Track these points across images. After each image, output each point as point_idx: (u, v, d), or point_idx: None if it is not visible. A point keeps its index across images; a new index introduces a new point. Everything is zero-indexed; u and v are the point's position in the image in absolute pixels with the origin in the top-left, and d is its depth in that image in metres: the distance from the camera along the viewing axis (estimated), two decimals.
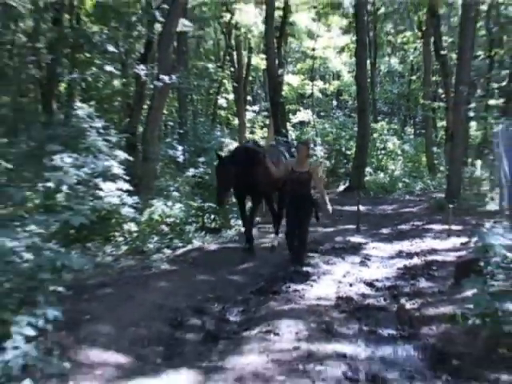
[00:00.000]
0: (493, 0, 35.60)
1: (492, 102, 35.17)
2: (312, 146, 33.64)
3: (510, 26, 35.66)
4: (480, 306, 8.97)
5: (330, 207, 14.32)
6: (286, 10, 35.16)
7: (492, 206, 20.94)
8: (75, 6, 23.72)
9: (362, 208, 19.77)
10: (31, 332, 7.59)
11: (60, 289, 8.60)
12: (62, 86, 24.53)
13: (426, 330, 10.22)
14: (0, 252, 7.91)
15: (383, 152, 35.47)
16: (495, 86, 36.14)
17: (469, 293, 10.17)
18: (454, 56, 29.14)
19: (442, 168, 32.79)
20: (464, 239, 16.04)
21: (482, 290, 9.20)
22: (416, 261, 14.94)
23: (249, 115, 39.23)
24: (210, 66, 38.03)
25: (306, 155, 13.91)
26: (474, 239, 11.72)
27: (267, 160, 14.48)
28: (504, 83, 34.72)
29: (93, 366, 8.66)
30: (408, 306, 11.56)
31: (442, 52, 33.56)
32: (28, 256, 8.03)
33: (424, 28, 39.23)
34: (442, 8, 36.98)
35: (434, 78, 38.41)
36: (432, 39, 35.47)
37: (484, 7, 35.16)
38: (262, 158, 14.60)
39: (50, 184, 12.59)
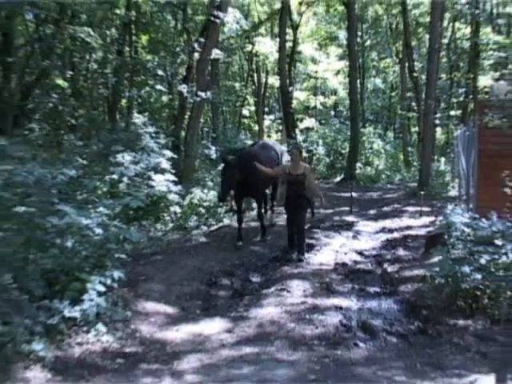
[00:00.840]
0: (452, 35, 35.74)
1: (452, 112, 35.18)
2: (315, 146, 33.63)
3: (465, 56, 35.63)
4: (444, 270, 9.02)
5: (323, 199, 13.77)
6: (295, 41, 35.15)
7: (453, 193, 20.86)
8: (134, 40, 23.72)
9: (353, 194, 19.72)
10: (102, 288, 7.70)
11: (123, 256, 8.67)
12: (124, 102, 24.55)
13: (403, 287, 10.26)
14: (78, 227, 7.98)
15: (370, 151, 35.29)
16: (454, 100, 36.11)
17: (436, 259, 10.16)
18: (424, 77, 28.99)
19: (415, 163, 32.62)
20: (432, 218, 15.99)
21: (445, 257, 9.23)
22: (395, 235, 14.91)
23: (266, 123, 39.15)
24: (236, 84, 38.08)
25: (299, 159, 12.89)
26: (440, 218, 11.74)
27: (260, 166, 13.16)
28: (461, 99, 34.72)
29: (148, 314, 8.77)
30: (389, 269, 11.60)
31: (415, 74, 33.49)
32: (99, 231, 8.09)
33: (400, 56, 39.12)
34: (414, 41, 36.83)
35: (408, 94, 38.23)
36: (407, 64, 35.41)
37: (446, 40, 35.17)
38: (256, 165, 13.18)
39: (115, 176, 12.69)
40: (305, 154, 15.52)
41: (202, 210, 15.88)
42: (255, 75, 38.94)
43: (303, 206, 12.79)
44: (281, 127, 38.39)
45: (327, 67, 38.23)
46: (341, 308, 9.18)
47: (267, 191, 15.55)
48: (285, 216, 13.45)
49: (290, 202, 12.69)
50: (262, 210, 14.80)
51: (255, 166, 13.14)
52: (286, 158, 15.33)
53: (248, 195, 14.62)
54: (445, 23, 33.60)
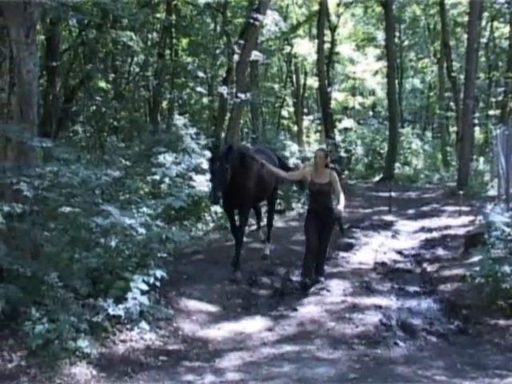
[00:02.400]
0: (490, 35, 35.33)
1: (491, 112, 34.79)
2: (353, 147, 33.44)
3: (504, 55, 35.22)
4: (484, 269, 8.95)
5: (341, 209, 10.30)
6: (333, 42, 35.02)
7: (492, 192, 20.63)
8: (174, 43, 23.88)
9: (392, 194, 19.60)
10: (145, 287, 7.75)
11: (165, 255, 8.72)
12: (165, 103, 24.71)
13: (443, 287, 10.18)
14: (121, 227, 8.05)
15: (408, 151, 35.08)
16: (493, 99, 35.72)
17: (475, 259, 10.09)
18: (462, 77, 28.73)
19: (453, 163, 32.33)
20: (471, 218, 15.82)
21: (485, 257, 9.15)
22: (434, 234, 14.81)
23: (305, 123, 39.05)
24: (276, 86, 38.03)
25: (324, 163, 10.37)
26: (479, 217, 11.62)
27: (269, 165, 10.99)
28: (500, 98, 34.32)
29: (190, 313, 8.82)
30: (429, 268, 11.53)
31: (453, 74, 33.15)
32: (141, 230, 8.15)
33: (438, 56, 38.81)
34: (452, 40, 36.48)
35: (446, 94, 37.88)
36: (445, 64, 35.08)
37: (484, 40, 34.78)
38: (254, 163, 11.03)
39: (157, 176, 12.75)
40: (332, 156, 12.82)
41: None
42: (294, 76, 38.91)
43: (329, 223, 10.38)
44: (320, 128, 38.29)
45: (365, 68, 38.02)
46: (380, 307, 9.15)
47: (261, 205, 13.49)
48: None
49: (311, 217, 10.39)
50: (245, 229, 11.91)
51: (250, 166, 10.98)
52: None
53: (233, 205, 11.38)
54: (483, 22, 33.25)
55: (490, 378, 6.64)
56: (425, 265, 11.87)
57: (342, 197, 10.40)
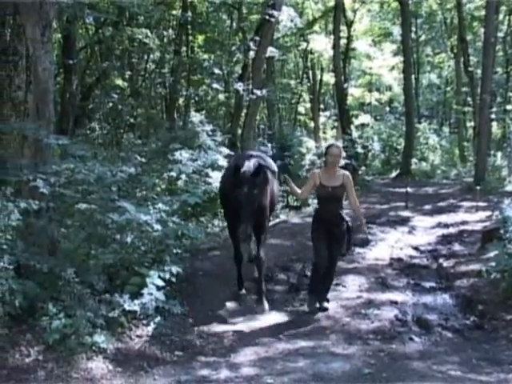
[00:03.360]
0: (508, 29, 35.12)
1: (509, 107, 34.56)
2: (370, 142, 33.35)
3: None
4: (500, 264, 8.94)
5: (365, 228, 9.56)
6: (349, 38, 34.95)
7: (509, 188, 20.54)
8: (190, 40, 23.91)
9: (409, 189, 19.56)
10: (161, 283, 7.81)
11: (181, 251, 8.79)
12: (181, 100, 24.75)
13: (459, 282, 10.16)
14: (137, 224, 8.11)
15: (425, 146, 34.93)
16: (511, 94, 35.46)
17: (492, 254, 10.06)
18: (479, 72, 28.58)
19: (470, 158, 32.15)
20: (488, 213, 15.75)
21: (501, 252, 9.14)
22: (451, 230, 14.76)
23: (322, 119, 39.05)
24: (292, 82, 38.02)
25: (338, 162, 8.99)
26: (496, 213, 11.58)
27: (290, 181, 9.29)
28: None
29: (206, 308, 8.84)
30: (445, 264, 11.50)
31: (470, 69, 32.98)
32: (157, 227, 8.20)
33: (455, 50, 38.61)
34: (469, 35, 36.26)
35: (463, 89, 37.68)
36: (462, 59, 34.90)
37: (501, 34, 34.53)
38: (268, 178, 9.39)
39: (173, 173, 12.80)
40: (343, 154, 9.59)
41: None
42: (310, 72, 38.88)
43: (339, 237, 8.95)
44: (336, 124, 38.25)
45: (382, 63, 37.91)
46: (396, 303, 9.16)
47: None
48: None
49: (319, 228, 8.92)
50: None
51: (266, 181, 9.27)
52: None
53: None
54: (500, 16, 33.01)
55: (506, 374, 6.65)
56: (441, 260, 11.84)
57: (358, 207, 9.23)
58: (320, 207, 9.14)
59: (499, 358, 7.12)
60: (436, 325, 8.23)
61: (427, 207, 19.05)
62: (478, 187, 18.73)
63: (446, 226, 15.37)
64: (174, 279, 8.22)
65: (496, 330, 8.03)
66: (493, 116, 29.87)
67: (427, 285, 10.18)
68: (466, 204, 19.01)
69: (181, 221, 9.37)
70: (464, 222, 15.54)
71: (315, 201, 16.86)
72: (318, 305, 8.87)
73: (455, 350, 7.44)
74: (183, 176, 13.02)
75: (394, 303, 9.13)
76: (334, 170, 8.92)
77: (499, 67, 35.80)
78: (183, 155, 13.10)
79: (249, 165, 8.74)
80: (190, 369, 6.74)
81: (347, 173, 9.14)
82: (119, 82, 22.20)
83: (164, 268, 8.06)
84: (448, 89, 46.78)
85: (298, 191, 9.25)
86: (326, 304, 8.93)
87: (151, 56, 24.03)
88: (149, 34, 18.99)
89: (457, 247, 12.88)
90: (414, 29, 40.83)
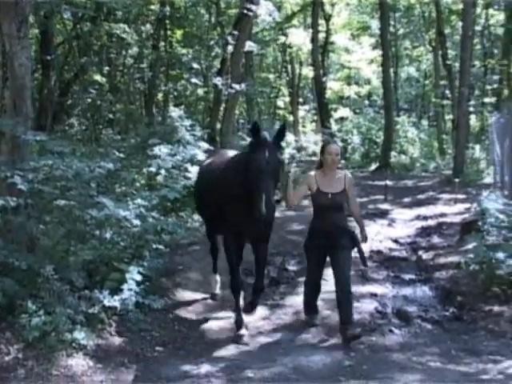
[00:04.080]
0: (485, 22, 35.34)
1: (487, 99, 34.81)
2: (349, 136, 33.40)
3: (498, 42, 35.22)
4: (479, 256, 9.02)
5: (365, 231, 8.15)
6: (328, 32, 35.10)
7: (488, 180, 20.67)
8: (168, 35, 23.86)
9: (388, 182, 19.63)
10: (140, 278, 7.76)
11: (160, 246, 8.77)
12: (160, 95, 24.70)
13: (438, 274, 10.24)
14: (116, 219, 8.09)
15: (404, 139, 35.03)
16: (489, 87, 35.70)
17: (470, 246, 10.13)
18: (457, 65, 28.75)
19: (449, 151, 32.33)
20: (467, 205, 15.85)
21: (480, 244, 9.22)
22: (430, 222, 14.85)
23: (301, 113, 39.10)
24: (271, 76, 38.08)
25: (338, 162, 7.75)
26: (475, 205, 11.67)
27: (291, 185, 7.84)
28: (495, 85, 34.34)
29: (186, 303, 8.89)
30: (424, 256, 11.58)
31: (448, 62, 33.12)
32: (136, 222, 8.19)
33: (433, 44, 38.77)
34: (447, 28, 36.42)
35: (442, 82, 37.85)
36: (440, 52, 35.07)
37: (479, 27, 34.74)
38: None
39: (152, 168, 12.75)
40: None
41: None
42: (289, 66, 38.92)
43: (345, 251, 7.72)
44: (315, 117, 38.32)
45: (360, 57, 38.00)
46: (376, 295, 9.22)
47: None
48: None
49: (316, 243, 7.71)
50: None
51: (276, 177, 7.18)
52: None
53: (248, 237, 7.88)
54: (478, 10, 33.16)
55: (484, 364, 6.72)
56: (420, 252, 11.91)
57: (360, 216, 8.29)
58: (317, 219, 7.72)
59: (478, 349, 7.19)
60: (415, 316, 8.28)
61: (406, 200, 19.14)
62: (457, 180, 18.83)
63: (425, 218, 15.46)
64: (153, 274, 8.22)
65: (475, 321, 8.10)
66: (471, 109, 30.04)
67: (407, 277, 10.24)
68: (444, 196, 19.12)
69: (160, 216, 9.34)
70: (443, 215, 15.63)
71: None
72: (316, 320, 8.00)
73: (435, 341, 7.49)
74: (162, 171, 12.97)
75: (373, 296, 9.19)
76: (333, 172, 7.68)
77: (477, 60, 36.01)
78: (162, 150, 13.04)
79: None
80: (170, 364, 6.73)
81: (349, 174, 7.95)
82: (98, 77, 22.09)
83: (144, 263, 8.04)
84: (426, 82, 46.96)
85: (292, 193, 7.77)
86: (354, 332, 7.34)
87: (129, 51, 23.94)
88: (127, 29, 18.93)
89: (436, 239, 12.97)
90: (392, 22, 40.91)
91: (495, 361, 6.83)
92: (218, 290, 9.19)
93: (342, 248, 7.68)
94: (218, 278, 9.28)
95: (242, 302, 7.85)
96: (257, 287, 7.89)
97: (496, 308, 8.34)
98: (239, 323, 7.64)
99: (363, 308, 8.64)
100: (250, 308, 7.87)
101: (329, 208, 7.58)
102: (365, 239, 8.18)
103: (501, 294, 8.61)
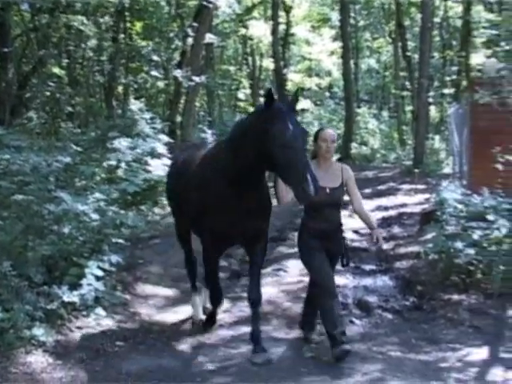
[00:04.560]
0: (444, 14, 35.67)
1: (446, 90, 35.13)
2: (310, 127, 33.48)
3: (457, 34, 35.55)
4: (437, 246, 9.10)
5: (381, 238, 7.06)
6: (288, 24, 35.07)
7: (447, 170, 20.89)
8: (128, 27, 23.67)
9: None
10: (100, 273, 7.72)
11: (120, 240, 8.70)
12: (120, 88, 24.51)
13: (398, 264, 10.33)
14: (74, 214, 8.00)
15: (365, 130, 35.31)
16: (448, 78, 36.04)
17: (430, 236, 10.21)
18: (417, 56, 28.98)
19: (409, 142, 32.57)
20: (427, 195, 16.00)
21: (439, 234, 9.30)
22: (391, 213, 14.97)
23: None
24: (231, 68, 37.95)
25: (333, 150, 6.76)
26: (434, 195, 11.77)
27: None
28: (454, 77, 34.68)
29: (147, 297, 8.82)
30: (385, 246, 11.61)
31: (408, 53, 33.44)
32: (95, 216, 8.12)
33: (393, 36, 39.03)
34: (407, 20, 36.67)
35: (402, 74, 38.10)
36: (400, 44, 35.35)
37: (438, 19, 35.05)
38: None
39: (112, 162, 12.66)
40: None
41: None
42: (250, 58, 38.82)
43: (337, 252, 6.94)
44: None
45: (321, 49, 38.05)
46: (337, 286, 9.22)
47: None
48: None
49: (314, 245, 6.67)
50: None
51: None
52: None
53: (240, 235, 6.76)
54: (437, 2, 33.41)
55: (444, 352, 6.80)
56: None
57: (366, 210, 7.22)
58: (311, 218, 6.70)
59: (437, 337, 7.26)
60: (376, 307, 8.33)
61: (367, 191, 19.21)
62: (417, 170, 19.01)
63: (386, 208, 15.59)
64: (113, 269, 8.15)
65: (434, 310, 8.18)
66: (430, 100, 30.33)
67: (367, 267, 10.33)
68: (405, 187, 19.30)
69: (120, 210, 9.27)
70: (403, 205, 15.77)
71: None
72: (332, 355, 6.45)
73: (395, 330, 7.55)
74: (123, 164, 12.88)
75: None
76: (329, 164, 6.73)
77: (436, 52, 36.32)
78: (122, 143, 12.97)
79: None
80: (131, 359, 6.67)
81: (346, 166, 7.02)
82: (56, 70, 21.83)
83: (103, 258, 7.98)
84: (387, 73, 47.22)
85: (285, 189, 6.22)
86: (346, 347, 6.46)
87: (88, 43, 23.70)
88: (85, 21, 18.72)
89: (396, 229, 13.08)
90: (352, 14, 41.06)
91: (454, 349, 6.91)
92: (201, 315, 7.83)
93: (335, 254, 6.88)
94: (199, 298, 7.99)
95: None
96: (253, 299, 6.80)
97: (455, 297, 8.44)
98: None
99: None
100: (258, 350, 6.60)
101: (326, 205, 6.47)
102: (377, 241, 7.03)
103: (459, 283, 8.71)
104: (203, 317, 7.76)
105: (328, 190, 6.51)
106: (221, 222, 6.48)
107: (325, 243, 6.67)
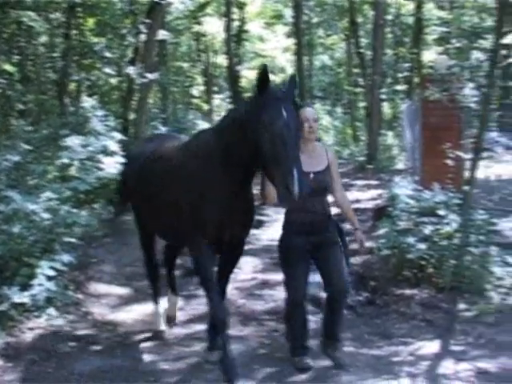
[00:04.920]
0: (396, 11, 36.07)
1: (398, 87, 35.53)
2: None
3: (409, 31, 35.95)
4: (390, 241, 9.16)
5: (362, 237, 6.64)
6: (242, 20, 35.09)
7: (400, 166, 21.11)
8: (80, 23, 23.40)
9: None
10: (52, 273, 7.63)
11: (73, 240, 8.59)
12: (72, 85, 24.23)
13: (352, 260, 10.33)
14: (24, 213, 7.89)
15: (319, 127, 35.49)
16: (400, 75, 36.44)
17: (382, 231, 10.27)
18: (370, 53, 29.25)
19: (363, 138, 32.80)
20: (380, 191, 16.13)
21: (390, 229, 9.35)
22: None
23: (216, 102, 39.00)
24: (185, 65, 37.78)
25: (316, 130, 6.07)
26: (386, 191, 11.88)
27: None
28: (406, 73, 35.10)
29: (100, 296, 8.74)
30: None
31: (361, 50, 33.64)
32: (46, 215, 8.01)
33: (347, 33, 39.30)
34: (360, 18, 36.93)
35: (355, 70, 38.42)
36: (353, 41, 35.60)
37: (390, 17, 35.40)
38: None
39: (64, 160, 12.51)
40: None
41: None
42: (203, 55, 38.75)
43: (334, 244, 6.24)
44: (230, 106, 38.34)
45: (275, 45, 38.16)
46: None
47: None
48: None
49: (298, 241, 6.09)
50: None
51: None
52: None
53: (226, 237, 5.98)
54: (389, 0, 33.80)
55: (396, 346, 6.88)
56: None
57: (348, 201, 6.69)
58: (293, 209, 5.97)
59: (390, 332, 7.34)
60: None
61: None
62: (370, 166, 19.13)
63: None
64: (65, 268, 8.05)
65: (387, 304, 8.25)
66: (383, 96, 30.58)
67: None
68: (358, 183, 19.41)
69: (72, 208, 9.16)
70: (357, 201, 15.83)
71: None
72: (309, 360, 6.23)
73: (348, 326, 7.58)
74: (76, 162, 12.74)
75: None
76: (311, 146, 6.06)
77: (389, 49, 36.68)
78: (74, 141, 12.82)
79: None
80: (83, 359, 6.61)
81: (330, 149, 6.54)
82: (7, 66, 21.47)
83: (55, 257, 7.88)
84: (340, 70, 47.55)
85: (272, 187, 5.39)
86: (338, 355, 6.28)
87: (40, 40, 23.37)
88: (35, 17, 18.45)
89: (349, 225, 13.13)
90: (306, 11, 41.20)
91: (406, 343, 6.99)
92: (162, 326, 7.43)
93: (332, 243, 6.19)
94: (162, 308, 7.61)
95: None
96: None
97: (407, 291, 8.52)
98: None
99: (278, 296, 8.64)
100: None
101: (310, 192, 5.21)
102: (360, 242, 6.56)
103: (411, 278, 8.81)
104: (164, 328, 7.42)
105: (312, 176, 5.87)
106: (215, 222, 5.72)
107: (312, 239, 6.03)
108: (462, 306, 8.14)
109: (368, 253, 10.16)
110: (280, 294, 8.67)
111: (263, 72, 5.15)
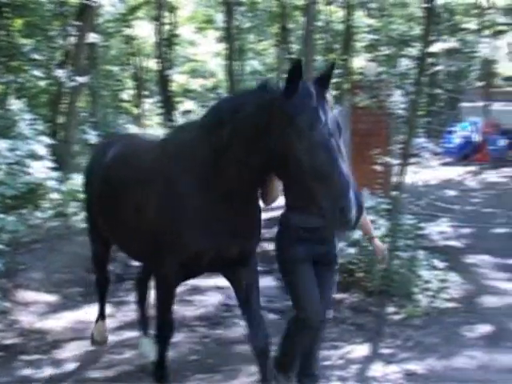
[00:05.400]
0: (327, 18, 36.58)
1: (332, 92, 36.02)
2: None
3: (339, 37, 36.41)
4: None
5: (381, 244, 5.66)
6: (173, 24, 35.06)
7: None
8: (8, 24, 22.95)
9: None
10: None
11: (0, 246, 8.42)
12: (0, 88, 23.76)
13: None
14: None
15: None
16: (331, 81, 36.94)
17: None
18: (300, 59, 29.55)
19: None
20: None
21: None
22: (274, 214, 15.06)
23: (146, 106, 38.80)
24: (115, 68, 37.46)
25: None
26: None
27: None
28: (337, 79, 35.56)
29: (28, 304, 8.58)
30: (268, 247, 11.73)
31: (292, 56, 33.93)
32: None
33: (278, 38, 39.60)
34: (291, 24, 37.25)
35: (285, 76, 38.70)
36: (284, 46, 35.89)
37: (321, 23, 35.82)
38: None
39: None
40: None
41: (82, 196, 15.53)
42: (134, 59, 38.51)
43: (333, 263, 5.32)
44: (161, 110, 38.21)
45: (206, 50, 38.19)
46: (222, 288, 9.25)
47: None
48: None
49: (302, 250, 5.12)
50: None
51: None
52: None
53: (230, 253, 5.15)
54: (320, 6, 34.13)
55: (327, 350, 6.93)
56: (265, 245, 12.08)
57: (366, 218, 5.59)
58: (297, 211, 5.07)
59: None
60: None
61: None
62: None
63: (273, 210, 15.72)
64: None
65: None
66: None
67: None
68: None
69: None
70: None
71: None
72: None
73: (279, 331, 7.58)
74: (3, 167, 12.48)
75: (219, 288, 9.22)
76: None
77: (319, 55, 37.06)
78: (1, 145, 12.55)
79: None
80: (10, 369, 6.47)
81: None
82: None
83: None
84: (271, 75, 47.82)
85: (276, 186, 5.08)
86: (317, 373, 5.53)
87: None
88: None
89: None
90: (237, 16, 41.34)
91: (336, 347, 7.09)
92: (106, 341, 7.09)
93: (330, 262, 5.27)
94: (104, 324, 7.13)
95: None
96: (261, 347, 5.28)
97: (337, 295, 8.61)
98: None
99: (208, 301, 8.73)
100: None
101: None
102: (381, 253, 5.57)
103: (341, 282, 8.88)
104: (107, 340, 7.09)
105: None
106: (198, 239, 4.74)
107: (317, 249, 5.07)
108: (390, 309, 8.31)
109: None
110: (211, 299, 8.76)
111: (296, 67, 4.32)
